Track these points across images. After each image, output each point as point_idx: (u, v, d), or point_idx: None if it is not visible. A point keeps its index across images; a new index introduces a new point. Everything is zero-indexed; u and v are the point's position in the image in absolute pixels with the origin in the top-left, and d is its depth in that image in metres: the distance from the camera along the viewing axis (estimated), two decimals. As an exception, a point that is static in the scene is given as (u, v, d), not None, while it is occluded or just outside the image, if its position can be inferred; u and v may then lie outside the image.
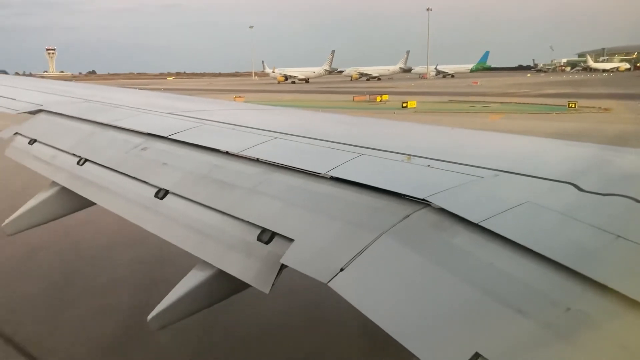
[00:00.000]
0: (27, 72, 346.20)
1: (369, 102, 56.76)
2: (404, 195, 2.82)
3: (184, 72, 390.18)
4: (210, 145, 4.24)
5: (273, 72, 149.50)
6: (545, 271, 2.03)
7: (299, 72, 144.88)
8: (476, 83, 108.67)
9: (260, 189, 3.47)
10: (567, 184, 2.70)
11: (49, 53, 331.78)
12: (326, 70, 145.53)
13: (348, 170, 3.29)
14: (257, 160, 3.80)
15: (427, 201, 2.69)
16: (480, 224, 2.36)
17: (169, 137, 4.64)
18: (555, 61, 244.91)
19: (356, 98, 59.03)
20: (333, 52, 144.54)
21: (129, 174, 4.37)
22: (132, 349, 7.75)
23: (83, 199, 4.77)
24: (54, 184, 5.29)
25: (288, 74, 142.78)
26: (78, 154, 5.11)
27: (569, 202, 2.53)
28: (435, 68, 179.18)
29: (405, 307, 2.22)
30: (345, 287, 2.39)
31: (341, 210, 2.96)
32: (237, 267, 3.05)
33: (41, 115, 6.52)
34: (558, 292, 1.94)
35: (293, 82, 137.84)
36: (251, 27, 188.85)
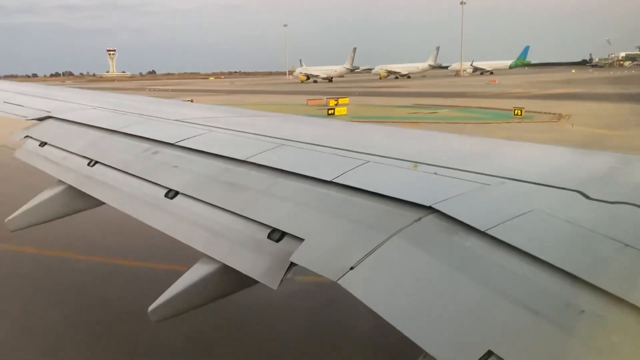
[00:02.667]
0: (91, 73, 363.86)
1: (324, 106, 52.26)
2: (411, 202, 2.82)
3: (237, 72, 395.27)
4: (217, 152, 4.26)
5: (292, 71, 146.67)
6: (556, 279, 2.02)
7: (320, 70, 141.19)
8: (494, 81, 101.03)
9: (269, 191, 3.52)
10: (574, 192, 2.69)
11: (110, 54, 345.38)
12: (347, 68, 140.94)
13: (355, 177, 3.31)
14: (265, 167, 3.80)
15: (434, 208, 2.70)
16: (487, 232, 2.36)
17: (177, 144, 4.66)
18: (613, 55, 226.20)
19: (310, 102, 54.61)
20: (354, 49, 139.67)
21: (139, 175, 4.41)
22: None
23: (89, 199, 4.89)
24: (59, 182, 5.34)
25: (309, 73, 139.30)
26: (88, 156, 5.17)
27: (576, 210, 2.52)
28: (471, 65, 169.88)
29: (416, 305, 2.22)
30: (356, 285, 2.42)
31: (350, 212, 3.00)
32: (246, 264, 3.08)
33: (50, 121, 6.58)
34: (571, 297, 1.93)
35: (315, 82, 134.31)
36: (285, 25, 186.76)
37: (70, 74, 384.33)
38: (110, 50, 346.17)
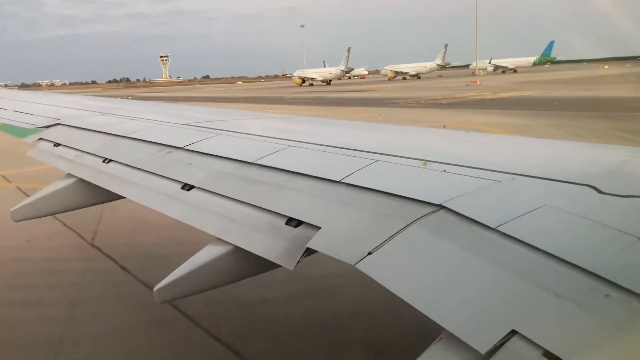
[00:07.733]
0: (147, 79, 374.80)
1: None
2: (421, 201, 2.84)
3: (283, 75, 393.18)
4: (225, 155, 4.29)
5: (283, 73, 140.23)
6: (570, 272, 2.02)
7: (316, 73, 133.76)
8: (475, 82, 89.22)
9: (283, 186, 3.59)
10: (585, 187, 2.67)
11: (162, 60, 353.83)
12: (342, 70, 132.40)
13: (364, 177, 3.31)
14: (273, 169, 3.82)
15: (445, 206, 2.71)
16: (497, 228, 2.37)
17: (186, 147, 4.69)
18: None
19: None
20: (349, 50, 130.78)
21: (154, 172, 4.47)
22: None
23: (98, 194, 4.95)
24: (68, 176, 5.28)
25: (305, 76, 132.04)
26: (103, 155, 5.19)
27: (588, 204, 2.51)
28: (490, 62, 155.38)
29: (437, 288, 2.24)
30: (374, 269, 2.45)
31: (365, 204, 3.02)
32: (261, 247, 3.11)
33: (59, 127, 6.65)
34: (594, 284, 1.93)
35: (311, 85, 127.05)
36: (302, 25, 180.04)
37: (127, 80, 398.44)
38: (163, 57, 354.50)
